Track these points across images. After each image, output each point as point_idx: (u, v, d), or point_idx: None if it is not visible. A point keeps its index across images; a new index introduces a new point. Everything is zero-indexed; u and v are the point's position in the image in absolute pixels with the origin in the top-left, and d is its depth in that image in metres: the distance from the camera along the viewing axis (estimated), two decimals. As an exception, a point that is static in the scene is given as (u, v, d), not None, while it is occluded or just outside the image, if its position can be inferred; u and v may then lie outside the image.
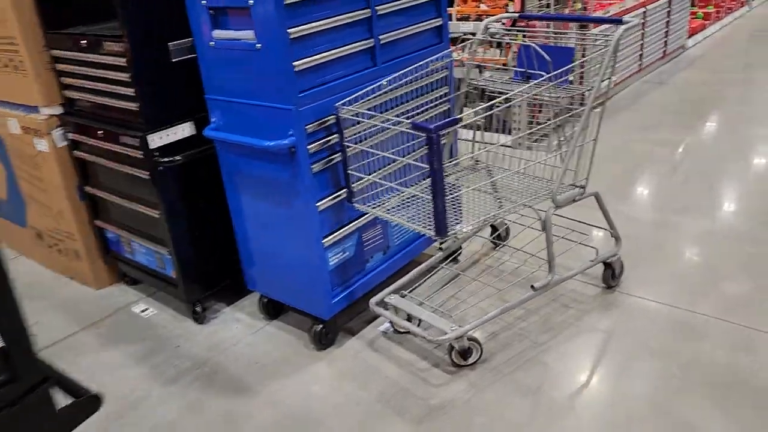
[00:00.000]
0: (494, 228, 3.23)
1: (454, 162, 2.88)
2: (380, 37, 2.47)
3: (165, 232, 2.66)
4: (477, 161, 2.88)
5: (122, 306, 3.05)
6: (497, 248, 3.23)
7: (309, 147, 2.28)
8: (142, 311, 2.99)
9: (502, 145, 2.74)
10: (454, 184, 2.71)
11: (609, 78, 2.49)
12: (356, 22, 2.37)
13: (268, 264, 2.63)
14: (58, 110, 2.90)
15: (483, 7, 4.35)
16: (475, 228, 2.24)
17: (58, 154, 2.95)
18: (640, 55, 5.74)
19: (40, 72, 2.82)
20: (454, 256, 3.15)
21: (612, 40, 2.35)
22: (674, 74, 5.97)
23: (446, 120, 1.97)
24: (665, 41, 6.14)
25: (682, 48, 6.65)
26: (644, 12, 5.55)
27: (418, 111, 2.68)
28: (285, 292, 2.65)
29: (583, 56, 2.56)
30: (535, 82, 2.39)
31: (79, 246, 3.10)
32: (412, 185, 2.51)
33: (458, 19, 4.47)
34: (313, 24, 2.20)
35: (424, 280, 2.95)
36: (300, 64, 2.19)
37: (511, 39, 2.76)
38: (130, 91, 2.48)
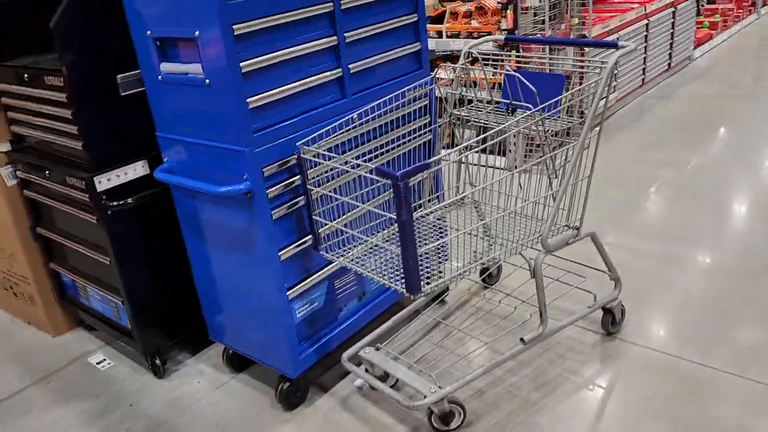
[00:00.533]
0: (484, 267, 2.98)
1: (435, 199, 2.64)
2: (350, 66, 2.23)
3: (117, 279, 2.42)
4: (464, 197, 2.63)
5: (78, 356, 2.81)
6: (488, 288, 2.98)
7: (268, 191, 2.04)
8: (99, 363, 2.75)
9: (498, 170, 2.48)
10: (436, 225, 2.46)
11: (602, 111, 2.24)
12: (321, 50, 2.14)
13: (230, 314, 2.39)
14: (6, 147, 2.68)
15: (474, 23, 4.11)
16: (458, 277, 1.99)
17: (8, 193, 2.72)
18: (644, 68, 5.48)
19: (-15, 106, 2.60)
20: (440, 298, 2.90)
21: (605, 68, 2.10)
22: (680, 88, 5.71)
23: (414, 166, 1.72)
24: (670, 53, 5.88)
25: (689, 59, 6.39)
26: (647, 24, 5.30)
27: (396, 144, 2.43)
28: (249, 345, 2.40)
29: (580, 82, 2.31)
30: (521, 116, 2.14)
31: (34, 290, 2.87)
32: (383, 230, 2.27)
33: (449, 36, 4.24)
34: (270, 56, 1.97)
35: (406, 327, 2.70)
36: (255, 100, 1.95)
37: (485, 68, 2.52)
38: (73, 129, 2.25)
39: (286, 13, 1.98)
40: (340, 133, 2.19)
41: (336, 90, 2.23)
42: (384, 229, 2.30)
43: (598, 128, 2.27)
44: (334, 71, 2.19)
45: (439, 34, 4.28)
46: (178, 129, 2.15)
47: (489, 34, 4.03)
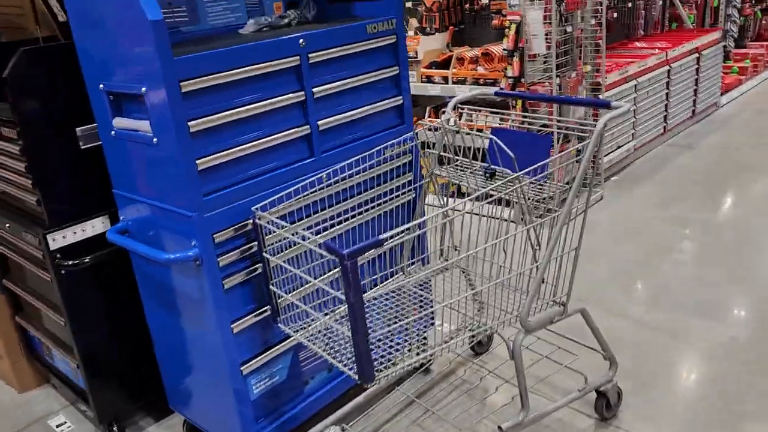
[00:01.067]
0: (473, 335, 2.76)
1: (419, 261, 2.45)
2: (319, 123, 2.08)
3: (71, 340, 2.28)
4: (446, 259, 2.44)
5: (40, 416, 2.66)
6: (477, 357, 2.75)
7: (219, 259, 1.88)
8: (59, 426, 2.59)
9: (486, 229, 2.29)
10: (417, 293, 2.27)
11: (593, 178, 2.04)
12: (286, 107, 1.99)
13: (187, 383, 2.22)
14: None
15: (480, 69, 3.96)
16: (439, 352, 1.80)
17: (-25, 243, 2.62)
18: (665, 116, 5.25)
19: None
20: (425, 366, 2.68)
21: (594, 130, 1.91)
22: (705, 137, 5.44)
23: (364, 244, 1.54)
24: (694, 99, 5.64)
25: (715, 106, 6.13)
26: (668, 70, 5.08)
27: (373, 204, 2.26)
28: (205, 418, 2.22)
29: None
30: (499, 183, 1.95)
31: (0, 344, 2.75)
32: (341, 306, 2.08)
33: (454, 82, 4.09)
34: (224, 114, 1.83)
35: (379, 403, 2.49)
36: (205, 161, 1.80)
37: (461, 128, 2.34)
38: (27, 183, 2.14)
39: (245, 68, 1.84)
40: (304, 196, 2.03)
41: (303, 148, 2.08)
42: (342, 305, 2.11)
43: (587, 195, 2.06)
44: (301, 128, 2.04)
45: (445, 80, 4.13)
46: (131, 187, 2.02)
47: (495, 81, 3.87)
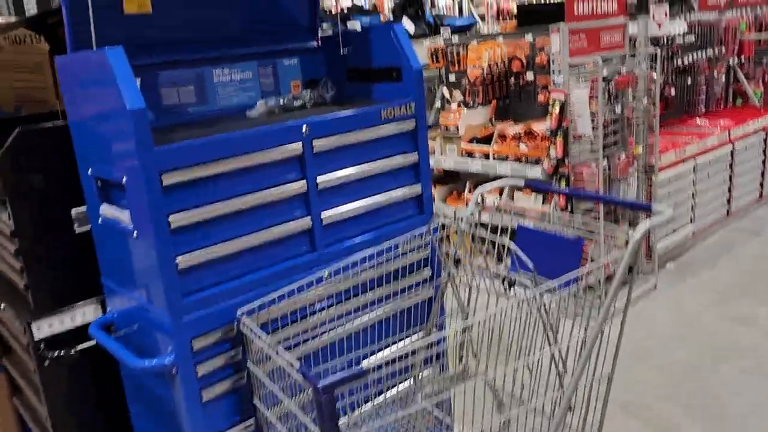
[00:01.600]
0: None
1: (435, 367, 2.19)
2: (323, 215, 1.90)
3: (51, 436, 2.11)
4: (465, 368, 2.17)
5: None
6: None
7: (197, 368, 1.68)
8: None
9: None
10: (430, 408, 2.01)
11: (632, 283, 1.77)
12: (286, 198, 1.82)
13: (168, 496, 2.00)
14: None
15: (523, 147, 3.74)
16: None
17: (-24, 319, 2.52)
18: (729, 198, 4.87)
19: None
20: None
21: (631, 239, 1.65)
22: (773, 221, 5.01)
23: (343, 375, 1.32)
24: (761, 182, 5.23)
25: (785, 187, 5.68)
26: (731, 151, 4.73)
27: (382, 305, 2.04)
28: None
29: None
30: (518, 297, 1.70)
31: (-7, 425, 2.61)
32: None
33: (495, 159, 3.88)
34: (210, 208, 1.67)
35: None
36: (186, 260, 1.63)
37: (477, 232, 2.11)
38: (17, 265, 2.02)
39: (236, 158, 1.69)
40: (298, 297, 1.82)
41: (304, 242, 1.89)
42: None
43: (622, 316, 1.78)
44: (302, 221, 1.86)
45: (486, 156, 3.93)
46: (116, 278, 1.87)
47: (537, 160, 3.64)
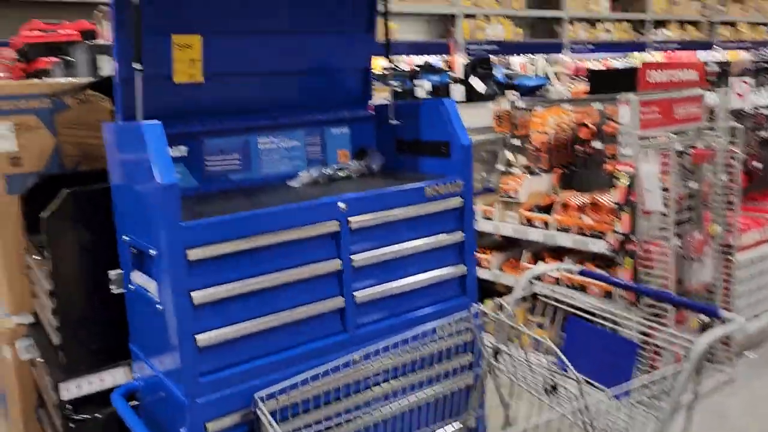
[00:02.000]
0: None
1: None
2: (357, 294, 1.81)
3: (72, 503, 2.06)
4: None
5: None
6: None
7: (211, 452, 1.60)
8: None
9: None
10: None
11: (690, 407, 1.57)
12: (317, 276, 1.75)
13: None
14: (28, 319, 2.54)
15: (586, 219, 3.55)
16: None
17: (19, 367, 2.55)
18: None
19: (14, 277, 2.51)
20: None
21: (692, 353, 1.47)
22: None
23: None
24: None
25: None
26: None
27: (418, 390, 1.91)
28: None
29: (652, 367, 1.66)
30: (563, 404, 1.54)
31: (27, 476, 2.61)
32: None
33: (557, 230, 3.70)
34: (236, 285, 1.61)
35: None
36: (208, 338, 1.57)
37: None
38: (54, 322, 2.03)
39: (266, 235, 1.63)
40: (323, 381, 1.72)
41: (335, 322, 1.80)
42: None
43: (686, 416, 1.58)
44: (333, 300, 1.77)
45: (547, 226, 3.76)
46: (142, 346, 1.83)
47: (601, 235, 3.44)
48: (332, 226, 1.74)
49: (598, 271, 3.32)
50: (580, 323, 1.82)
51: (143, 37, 1.70)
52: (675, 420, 1.48)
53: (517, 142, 4.33)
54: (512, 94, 4.78)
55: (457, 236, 2.00)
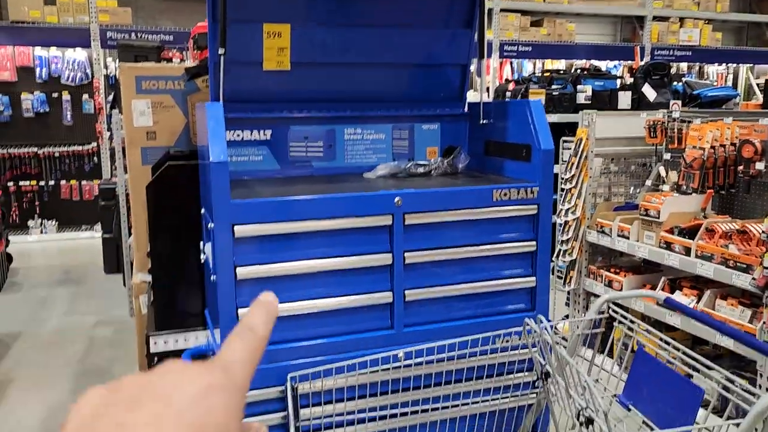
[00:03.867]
0: None
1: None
2: (407, 292, 1.78)
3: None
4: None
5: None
6: None
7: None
8: None
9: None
10: None
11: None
12: (366, 268, 1.75)
13: None
14: (149, 278, 2.85)
15: (732, 249, 3.13)
16: None
17: (140, 319, 2.87)
18: None
19: (141, 239, 2.82)
20: None
21: (754, 407, 1.24)
22: None
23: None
24: None
25: None
26: None
27: (468, 401, 1.83)
28: None
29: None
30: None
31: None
32: None
33: (698, 257, 3.31)
34: (280, 266, 1.66)
35: None
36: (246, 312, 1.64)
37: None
38: (150, 280, 2.25)
39: (314, 222, 1.66)
40: (360, 372, 1.72)
41: (381, 317, 1.79)
42: None
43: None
44: (381, 295, 1.76)
45: (687, 251, 3.38)
46: (210, 315, 1.97)
47: (748, 268, 3.01)
48: (385, 219, 1.72)
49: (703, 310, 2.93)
50: (648, 358, 1.62)
51: (237, 26, 1.82)
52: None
53: (668, 156, 3.93)
54: (674, 104, 4.35)
55: (529, 246, 1.88)
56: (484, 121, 2.11)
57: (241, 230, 1.60)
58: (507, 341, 1.83)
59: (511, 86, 6.44)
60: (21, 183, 7.64)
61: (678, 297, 3.37)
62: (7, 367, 4.08)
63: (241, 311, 1.64)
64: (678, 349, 1.53)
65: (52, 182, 7.74)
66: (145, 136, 2.74)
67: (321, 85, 2.09)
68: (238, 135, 2.01)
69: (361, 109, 2.14)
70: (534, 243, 1.89)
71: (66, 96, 7.67)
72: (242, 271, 1.62)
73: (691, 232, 3.44)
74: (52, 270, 6.49)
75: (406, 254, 1.76)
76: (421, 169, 2.08)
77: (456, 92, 2.24)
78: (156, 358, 2.22)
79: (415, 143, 2.22)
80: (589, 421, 1.44)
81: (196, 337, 2.25)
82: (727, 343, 3.08)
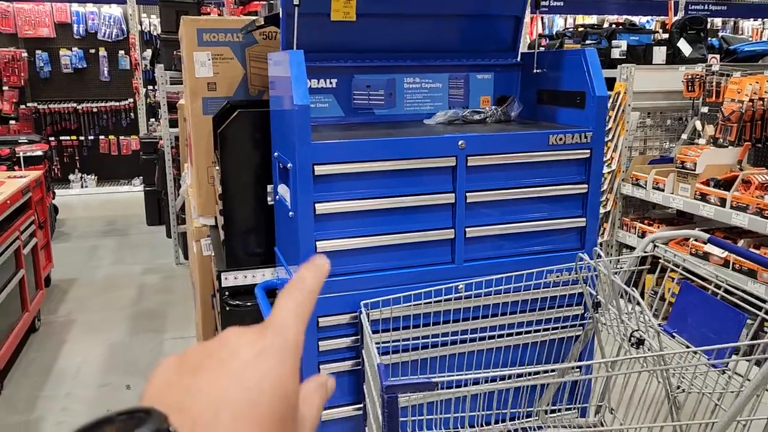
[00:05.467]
0: None
1: (575, 410, 2.07)
2: (467, 230, 1.93)
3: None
4: (602, 421, 2.01)
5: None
6: None
7: (320, 343, 1.85)
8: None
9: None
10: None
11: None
12: (430, 206, 1.89)
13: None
14: (210, 222, 3.02)
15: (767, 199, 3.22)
16: None
17: (202, 261, 3.05)
18: None
19: (203, 184, 2.98)
20: None
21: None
22: None
23: (413, 381, 1.36)
24: None
25: None
26: None
27: (521, 330, 1.99)
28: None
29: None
30: (642, 355, 1.53)
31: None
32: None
33: (732, 207, 3.40)
34: (353, 203, 1.81)
35: None
36: (325, 245, 1.81)
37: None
38: (221, 221, 2.42)
39: (386, 162, 1.80)
40: (424, 302, 1.88)
41: (444, 252, 1.94)
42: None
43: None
44: (444, 231, 1.91)
45: (722, 203, 3.47)
46: (281, 249, 2.13)
47: (783, 217, 3.11)
48: (449, 161, 1.86)
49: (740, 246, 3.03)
50: (693, 288, 1.76)
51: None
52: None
53: (705, 109, 3.99)
54: (712, 58, 4.37)
55: (581, 188, 2.01)
56: (538, 71, 2.22)
57: (320, 169, 1.75)
58: (558, 276, 1.98)
59: (543, 42, 6.46)
60: (62, 138, 7.85)
61: (711, 248, 3.48)
62: (68, 310, 4.34)
63: (318, 244, 1.79)
64: (722, 283, 1.66)
65: (91, 137, 7.95)
66: (206, 87, 2.88)
67: (383, 36, 2.20)
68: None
69: (419, 59, 2.25)
70: (586, 186, 2.01)
71: (102, 52, 7.80)
72: (320, 207, 1.78)
73: (726, 184, 3.52)
74: (96, 221, 6.74)
75: (467, 194, 1.90)
76: (477, 117, 2.20)
77: (509, 43, 2.33)
78: (227, 293, 2.40)
79: (470, 92, 2.33)
80: (640, 342, 1.59)
81: (263, 274, 2.42)
82: (759, 290, 3.20)
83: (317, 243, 1.80)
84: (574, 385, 2.06)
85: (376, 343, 1.85)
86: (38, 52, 7.60)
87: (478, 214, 1.93)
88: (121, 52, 7.84)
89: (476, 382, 1.77)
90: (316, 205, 1.77)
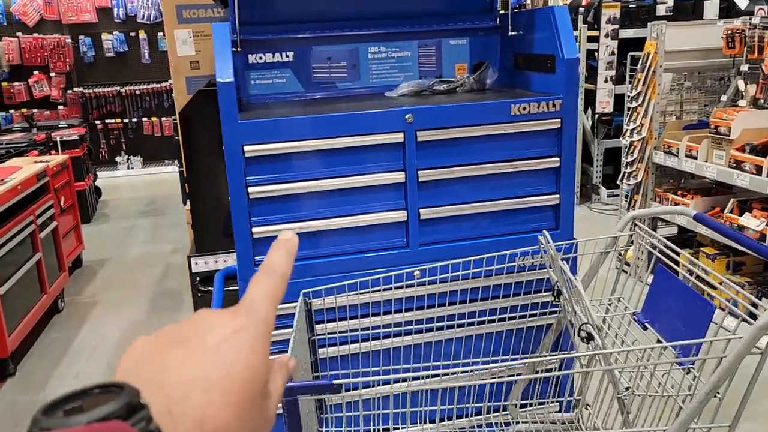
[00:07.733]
0: None
1: (553, 403, 1.91)
2: (421, 211, 1.77)
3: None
4: (579, 417, 1.84)
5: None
6: None
7: (262, 333, 1.75)
8: None
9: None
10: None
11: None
12: (379, 186, 1.74)
13: None
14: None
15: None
16: None
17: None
18: None
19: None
20: None
21: (753, 326, 1.17)
22: None
23: (313, 383, 1.24)
24: None
25: None
26: None
27: (483, 319, 1.83)
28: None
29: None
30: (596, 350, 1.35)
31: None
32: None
33: (770, 176, 3.07)
34: (293, 185, 1.69)
35: None
36: (261, 231, 1.70)
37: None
38: (188, 204, 2.35)
39: (323, 140, 1.67)
40: (373, 290, 1.74)
41: (397, 235, 1.79)
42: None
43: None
44: (395, 213, 1.76)
45: (758, 170, 3.14)
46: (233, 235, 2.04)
47: (823, 186, 2.77)
48: (397, 137, 1.70)
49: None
50: (666, 274, 1.55)
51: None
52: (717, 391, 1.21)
53: (745, 67, 3.61)
54: (758, 9, 3.95)
55: (551, 162, 1.81)
56: (513, 33, 2.01)
57: (250, 150, 1.63)
58: (525, 260, 1.80)
59: (584, 1, 6.07)
60: (107, 121, 8.06)
61: (747, 219, 3.17)
62: (93, 291, 4.44)
63: (254, 230, 1.69)
64: (696, 266, 1.45)
65: (135, 119, 8.11)
66: (189, 65, 2.80)
67: (343, 2, 2.04)
68: (260, 57, 2.01)
69: (385, 26, 2.08)
70: (557, 159, 1.81)
71: (142, 35, 7.91)
72: (254, 191, 1.66)
73: (763, 150, 3.19)
74: (137, 202, 6.89)
75: (419, 172, 1.74)
76: (444, 86, 2.02)
77: (486, 3, 2.13)
78: (197, 278, 2.34)
79: (443, 60, 2.14)
80: (590, 337, 1.40)
81: (234, 258, 2.35)
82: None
83: (253, 229, 1.69)
84: (546, 379, 1.88)
85: (321, 335, 1.75)
86: (81, 37, 7.78)
87: (434, 194, 1.77)
88: (160, 33, 7.93)
89: (418, 378, 1.63)
90: (249, 188, 1.66)
